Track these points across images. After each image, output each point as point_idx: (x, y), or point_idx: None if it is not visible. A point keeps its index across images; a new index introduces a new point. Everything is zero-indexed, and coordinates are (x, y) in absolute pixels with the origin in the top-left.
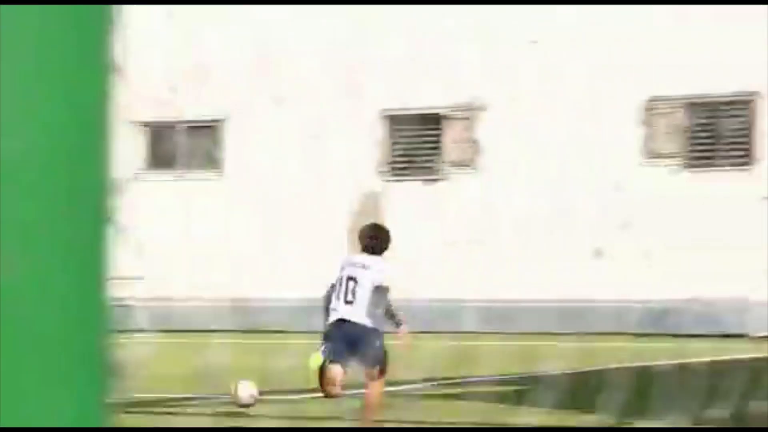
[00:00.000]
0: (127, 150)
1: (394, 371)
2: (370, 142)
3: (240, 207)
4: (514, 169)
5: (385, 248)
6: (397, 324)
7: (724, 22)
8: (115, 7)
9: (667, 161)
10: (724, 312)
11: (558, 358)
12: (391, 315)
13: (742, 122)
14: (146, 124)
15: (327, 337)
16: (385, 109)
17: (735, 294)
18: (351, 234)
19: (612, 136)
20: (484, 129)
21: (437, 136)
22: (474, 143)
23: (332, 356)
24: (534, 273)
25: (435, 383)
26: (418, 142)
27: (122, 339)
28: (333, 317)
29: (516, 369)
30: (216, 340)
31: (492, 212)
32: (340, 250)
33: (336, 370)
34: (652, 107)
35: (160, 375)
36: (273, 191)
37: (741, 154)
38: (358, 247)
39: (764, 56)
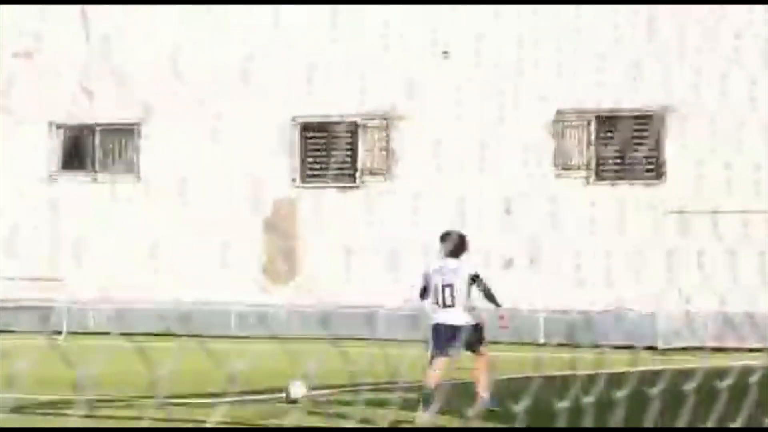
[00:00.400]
0: (42, 151)
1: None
2: (284, 149)
3: (155, 210)
4: (428, 179)
5: (466, 251)
6: (497, 305)
7: (633, 36)
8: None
9: (577, 173)
10: (634, 324)
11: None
12: (490, 297)
13: (650, 136)
14: (62, 126)
15: (433, 335)
16: (298, 116)
17: (644, 306)
18: (265, 239)
19: (520, 147)
20: (398, 138)
21: (352, 143)
22: (388, 152)
23: (437, 351)
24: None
25: (355, 388)
26: (332, 149)
27: (31, 339)
28: (435, 320)
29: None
30: (124, 342)
31: (404, 220)
32: (254, 255)
33: (440, 363)
34: (561, 120)
35: (65, 377)
36: (188, 196)
37: (650, 167)
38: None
39: (674, 70)
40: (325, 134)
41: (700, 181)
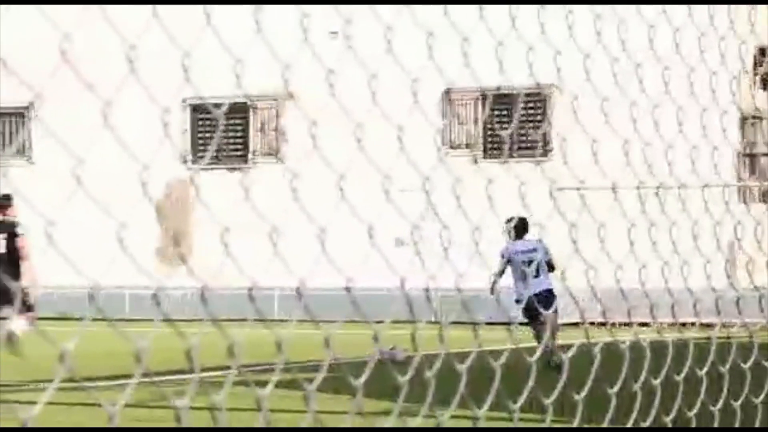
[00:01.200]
0: None
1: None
2: (175, 131)
3: (49, 194)
4: (315, 160)
5: (528, 231)
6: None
7: (521, 15)
8: None
9: (466, 151)
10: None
11: (356, 346)
12: (552, 269)
13: (538, 114)
14: None
15: (525, 308)
16: (188, 98)
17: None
18: (159, 220)
19: (411, 125)
20: (289, 118)
21: (243, 125)
22: (280, 132)
23: (530, 321)
24: (336, 261)
25: (244, 369)
26: (223, 131)
27: None
28: (527, 293)
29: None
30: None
31: (295, 201)
32: (149, 236)
33: (542, 327)
34: (450, 98)
35: None
36: (82, 179)
37: (537, 145)
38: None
39: (560, 49)
40: (214, 114)
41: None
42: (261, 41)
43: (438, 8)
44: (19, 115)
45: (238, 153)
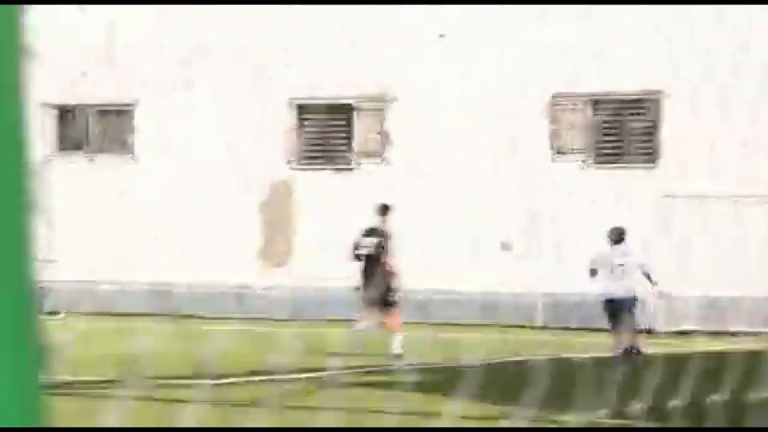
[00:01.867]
0: (37, 133)
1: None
2: (280, 131)
3: (151, 192)
4: (423, 161)
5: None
6: (652, 283)
7: (629, 21)
8: None
9: (574, 157)
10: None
11: (477, 348)
12: (648, 276)
13: (646, 120)
14: (56, 107)
15: (606, 307)
16: (294, 98)
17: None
18: (263, 221)
19: (519, 130)
20: (394, 120)
21: (347, 126)
22: (384, 134)
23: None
24: (443, 265)
25: (360, 371)
26: (328, 131)
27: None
28: (610, 294)
29: (439, 358)
30: (126, 324)
31: (400, 204)
32: (252, 236)
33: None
34: (557, 104)
35: (79, 358)
36: (184, 177)
37: (645, 151)
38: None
39: (668, 55)
40: (321, 116)
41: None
42: (367, 42)
43: (539, 16)
44: (124, 113)
45: (342, 154)
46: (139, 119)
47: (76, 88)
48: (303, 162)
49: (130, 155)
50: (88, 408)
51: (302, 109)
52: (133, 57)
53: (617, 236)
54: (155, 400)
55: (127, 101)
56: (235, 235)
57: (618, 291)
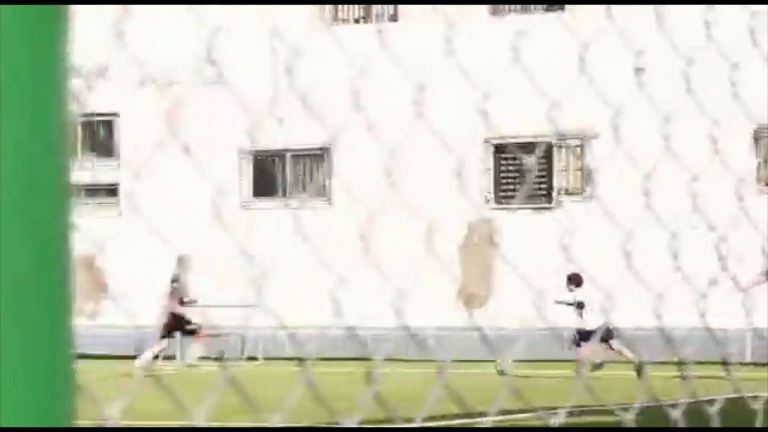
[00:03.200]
0: (234, 178)
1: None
2: (478, 170)
3: (348, 235)
4: (626, 198)
5: None
6: None
7: None
8: (71, 8)
9: None
10: None
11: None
12: None
13: None
14: (252, 152)
15: None
16: (491, 138)
17: None
18: (461, 260)
19: (723, 163)
20: (593, 156)
21: (546, 163)
22: (584, 171)
23: None
24: (645, 300)
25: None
26: (524, 169)
27: (235, 366)
28: None
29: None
30: (324, 368)
31: (603, 241)
32: (452, 277)
33: None
34: (760, 136)
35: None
36: (378, 218)
37: None
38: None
39: None
40: (518, 154)
41: None
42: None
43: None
44: (317, 156)
45: (542, 192)
46: (335, 162)
47: (271, 133)
48: (501, 201)
49: (326, 198)
50: None
51: (498, 149)
52: (325, 98)
53: None
54: None
55: (321, 144)
56: (433, 276)
57: None
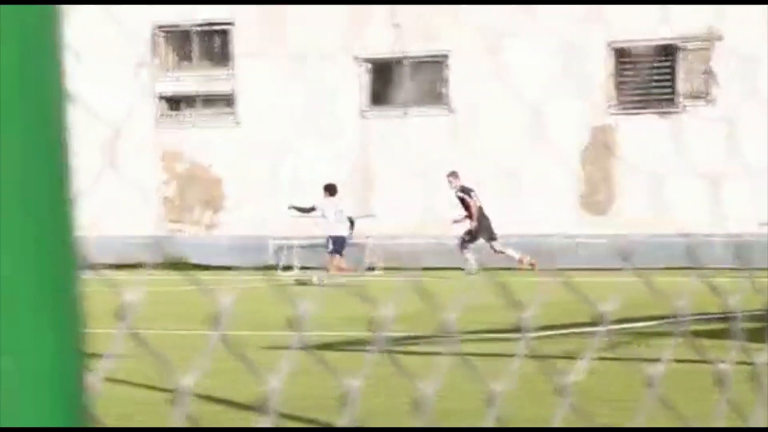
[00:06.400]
0: (352, 87)
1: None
2: (601, 75)
3: (466, 143)
4: (753, 100)
5: None
6: None
7: None
8: None
9: None
10: None
11: None
12: None
13: None
14: (370, 60)
15: None
16: (614, 42)
17: None
18: (584, 166)
19: None
20: (719, 59)
21: (671, 68)
22: (709, 74)
23: None
24: None
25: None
26: (650, 74)
27: (356, 276)
28: None
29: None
30: (431, 278)
31: (731, 145)
32: (572, 184)
33: None
34: None
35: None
36: (500, 126)
37: None
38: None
39: None
40: (642, 59)
41: None
42: None
43: None
44: (436, 64)
45: (666, 97)
46: (452, 71)
47: (389, 40)
48: (624, 106)
49: (445, 107)
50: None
51: (622, 53)
52: (444, 7)
53: None
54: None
55: (440, 52)
56: (556, 184)
57: None
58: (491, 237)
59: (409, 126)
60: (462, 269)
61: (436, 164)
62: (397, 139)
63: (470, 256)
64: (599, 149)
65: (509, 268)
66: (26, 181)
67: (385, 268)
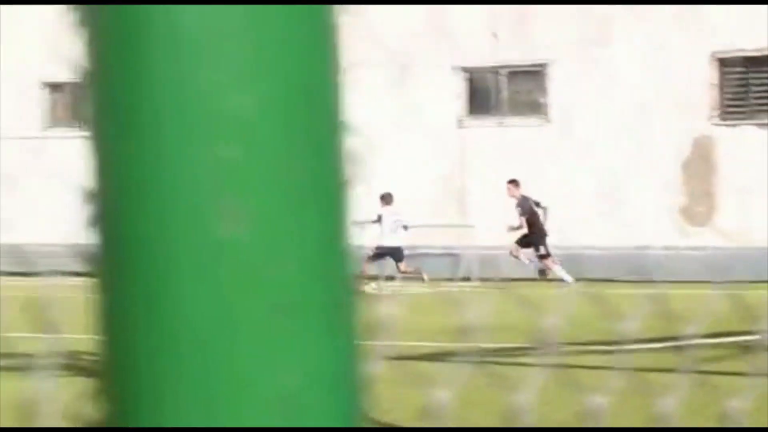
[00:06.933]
0: (448, 96)
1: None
2: (702, 85)
3: (563, 153)
4: None
5: None
6: None
7: None
8: None
9: None
10: None
11: None
12: None
13: None
14: (467, 70)
15: None
16: (717, 52)
17: None
18: (685, 178)
19: None
20: None
21: None
22: None
23: None
24: None
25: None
26: (750, 84)
27: (450, 287)
28: None
29: None
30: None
31: None
32: (670, 197)
33: None
34: None
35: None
36: (599, 137)
37: None
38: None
39: None
40: (744, 69)
41: None
42: None
43: None
44: (534, 74)
45: (764, 107)
46: (552, 80)
47: (487, 50)
48: (725, 117)
49: (544, 117)
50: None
51: (724, 63)
52: (545, 15)
53: None
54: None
55: (539, 62)
56: (656, 194)
57: None
58: (537, 247)
59: (506, 136)
60: (561, 280)
61: (533, 174)
62: (494, 149)
63: (557, 268)
64: (700, 161)
65: (607, 280)
66: (317, 188)
67: (481, 279)
